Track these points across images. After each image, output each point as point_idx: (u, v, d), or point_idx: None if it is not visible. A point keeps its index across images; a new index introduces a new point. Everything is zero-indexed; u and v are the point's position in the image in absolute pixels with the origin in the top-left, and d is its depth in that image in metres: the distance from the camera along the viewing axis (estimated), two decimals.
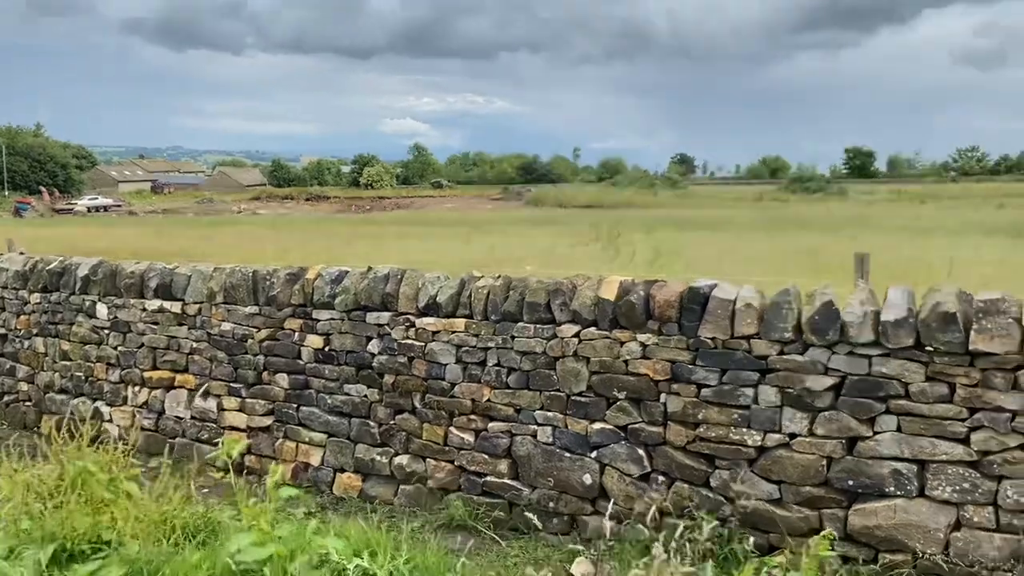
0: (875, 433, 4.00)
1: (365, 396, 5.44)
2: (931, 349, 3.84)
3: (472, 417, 5.05)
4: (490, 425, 5.00)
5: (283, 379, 5.76)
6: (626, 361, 4.57)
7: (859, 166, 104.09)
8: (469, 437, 5.07)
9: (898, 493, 3.96)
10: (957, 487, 3.85)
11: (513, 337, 4.89)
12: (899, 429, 3.94)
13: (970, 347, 3.75)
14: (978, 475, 3.82)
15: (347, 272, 5.63)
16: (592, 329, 4.68)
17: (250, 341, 5.85)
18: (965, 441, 3.83)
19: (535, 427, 4.86)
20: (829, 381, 4.07)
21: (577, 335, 4.71)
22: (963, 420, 3.82)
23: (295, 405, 5.73)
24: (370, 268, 5.59)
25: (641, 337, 4.53)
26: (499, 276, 5.12)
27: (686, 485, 4.44)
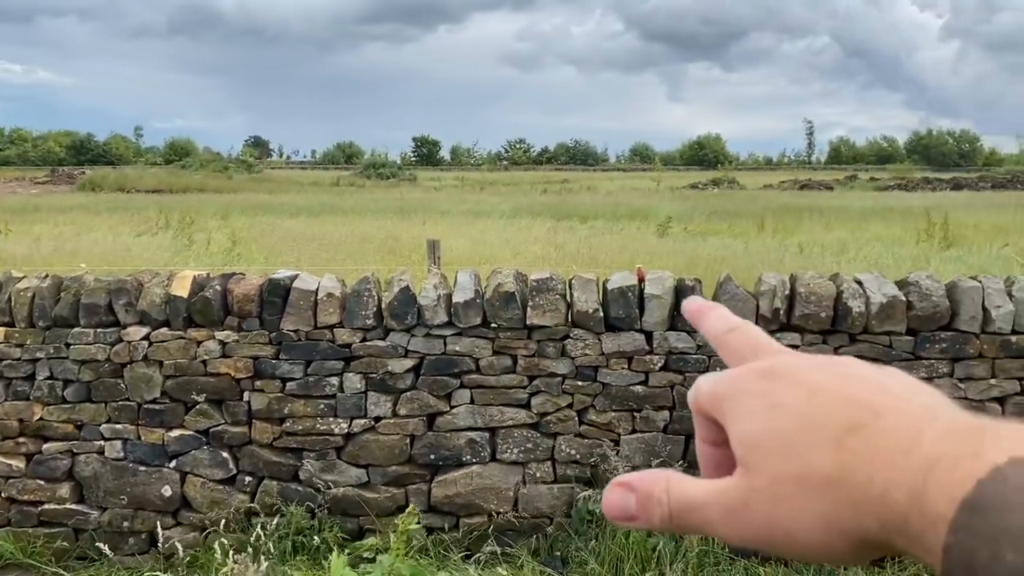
0: (452, 407, 4.30)
1: None
2: (496, 326, 4.23)
3: (21, 440, 4.35)
4: (45, 447, 4.35)
5: None
6: (204, 361, 4.30)
7: (426, 154, 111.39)
8: (19, 463, 4.36)
9: (474, 461, 4.31)
10: (522, 448, 4.31)
11: (68, 345, 4.30)
12: (472, 401, 4.29)
13: (527, 322, 4.21)
14: (538, 435, 4.32)
15: None
16: (164, 330, 4.31)
17: None
18: (527, 406, 4.30)
19: (102, 442, 4.34)
20: (409, 363, 4.27)
21: (147, 338, 4.30)
22: (524, 387, 4.28)
23: None
24: None
25: (220, 335, 4.29)
26: (47, 276, 4.46)
27: (274, 482, 4.34)
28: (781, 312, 4.19)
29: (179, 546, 3.73)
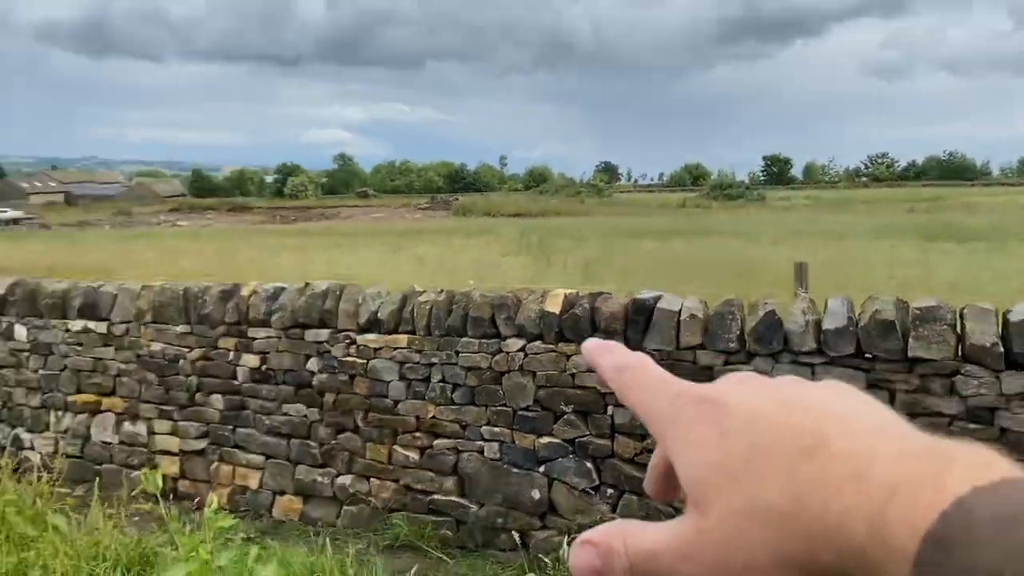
0: None
1: (305, 416, 5.29)
2: (871, 357, 3.94)
3: (417, 434, 4.97)
4: (435, 442, 4.92)
5: (218, 400, 5.56)
6: (572, 374, 4.56)
7: (776, 173, 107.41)
8: (414, 455, 4.98)
9: None
10: None
11: (458, 352, 4.83)
12: None
13: (908, 354, 3.86)
14: None
15: (284, 288, 5.48)
16: (538, 343, 4.66)
17: (182, 361, 5.63)
18: None
19: (482, 443, 4.80)
20: None
21: (523, 349, 4.68)
22: None
23: (231, 427, 5.53)
24: (307, 284, 5.45)
25: None
26: (442, 291, 5.06)
27: (635, 497, 4.45)
28: None
29: (555, 545, 3.97)
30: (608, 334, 4.48)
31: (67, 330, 6.02)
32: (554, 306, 4.65)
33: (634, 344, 4.41)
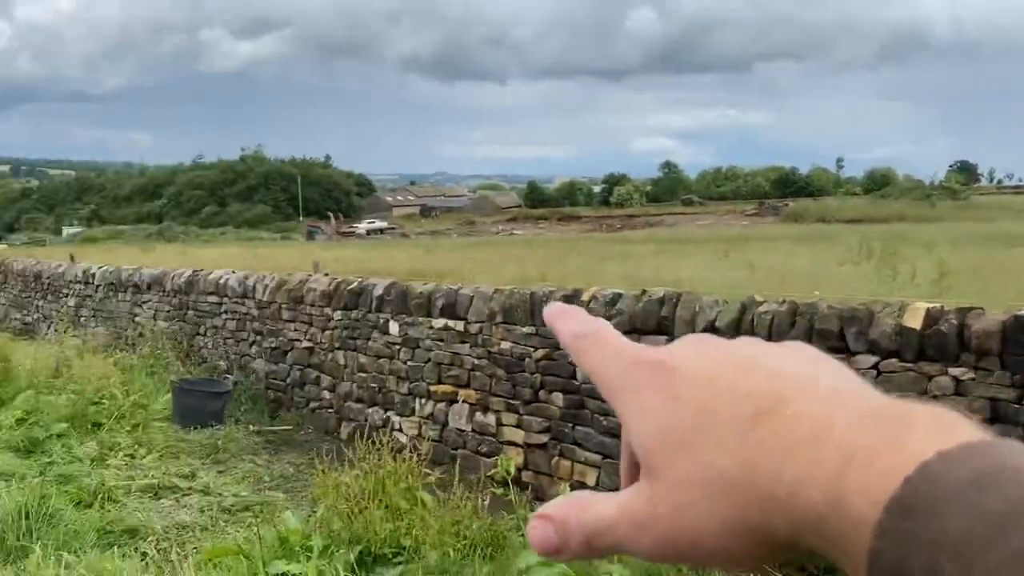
0: None
1: None
2: None
3: None
4: None
5: (559, 398, 5.89)
6: (935, 397, 4.14)
7: None
8: None
9: None
10: None
11: None
12: None
13: None
14: None
15: (621, 295, 5.65)
16: (893, 360, 4.30)
17: (527, 360, 6.05)
18: None
19: None
20: None
21: (875, 367, 4.35)
22: None
23: (570, 424, 5.82)
24: (644, 291, 5.56)
25: (954, 371, 4.08)
26: (783, 301, 4.88)
27: None
28: None
29: None
30: (981, 354, 4.00)
31: (431, 327, 6.77)
32: (914, 321, 4.26)
33: (1014, 368, 3.89)
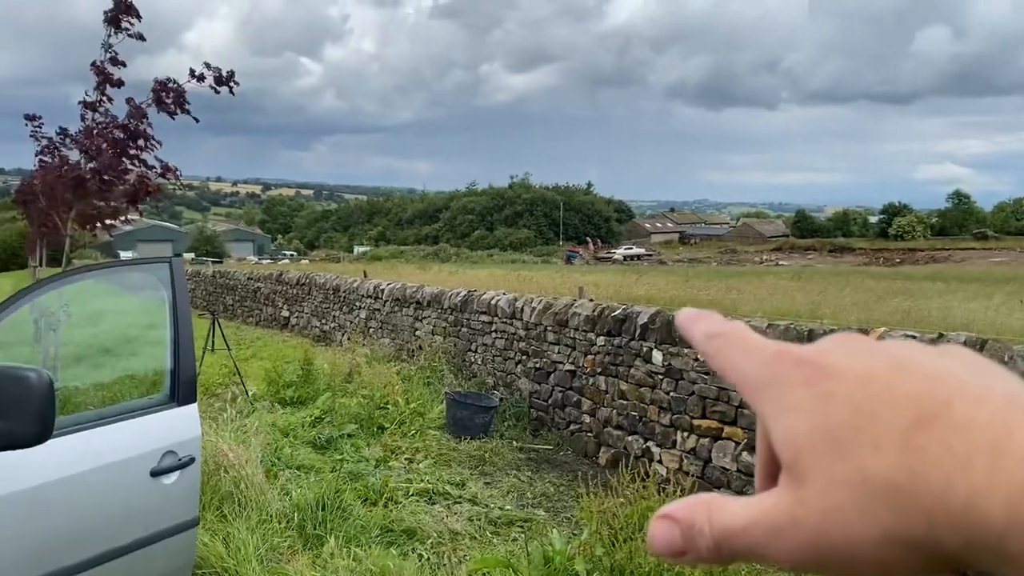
0: None
1: None
2: None
3: None
4: None
5: None
6: None
7: None
8: None
9: None
10: None
11: None
12: None
13: None
14: None
15: (915, 338, 5.17)
16: None
17: None
18: None
19: None
20: None
21: None
22: None
23: None
24: (941, 335, 5.07)
25: None
26: None
27: None
28: None
29: None
30: None
31: (696, 359, 6.64)
32: None
33: None
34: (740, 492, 6.13)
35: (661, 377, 7.03)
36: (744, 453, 6.15)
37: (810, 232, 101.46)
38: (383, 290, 12.95)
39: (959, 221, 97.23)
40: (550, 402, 8.56)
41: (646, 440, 7.14)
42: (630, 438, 7.31)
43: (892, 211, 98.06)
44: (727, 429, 6.33)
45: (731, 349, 0.39)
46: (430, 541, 5.19)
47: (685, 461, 6.63)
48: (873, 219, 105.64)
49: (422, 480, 6.50)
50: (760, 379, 0.37)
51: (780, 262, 62.36)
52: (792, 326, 5.98)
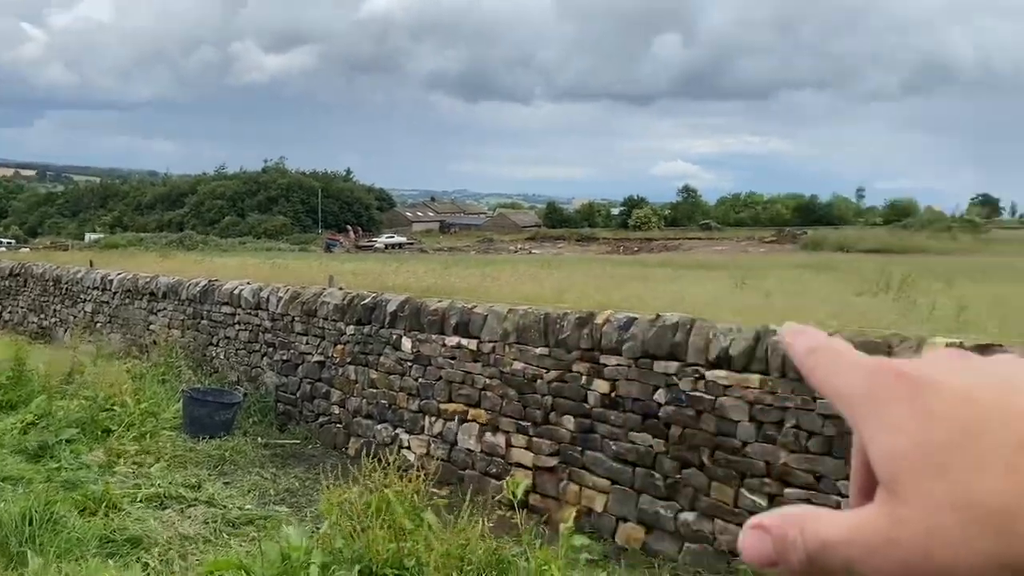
0: None
1: (650, 446, 5.34)
2: None
3: (766, 480, 4.76)
4: (786, 491, 4.67)
5: (569, 421, 5.83)
6: None
7: None
8: (762, 501, 4.77)
9: None
10: None
11: (815, 399, 4.55)
12: None
13: None
14: None
15: (635, 319, 5.60)
16: None
17: (539, 381, 6.00)
18: None
19: (838, 498, 4.46)
20: None
21: None
22: None
23: (580, 448, 5.76)
24: (658, 316, 5.51)
25: None
26: None
27: None
28: None
29: None
30: None
31: (443, 345, 6.73)
32: None
33: None
34: (484, 472, 6.32)
35: (410, 364, 7.06)
36: (488, 434, 6.33)
37: (560, 223, 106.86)
38: (112, 281, 11.87)
39: (688, 213, 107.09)
40: (298, 395, 8.30)
41: (395, 427, 7.14)
42: (379, 426, 7.27)
43: (631, 204, 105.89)
44: (472, 411, 6.48)
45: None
46: (157, 548, 4.82)
47: (432, 445, 6.71)
48: (615, 211, 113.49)
49: (152, 484, 6.04)
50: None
51: (533, 251, 65.13)
52: (531, 309, 6.24)
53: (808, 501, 4.58)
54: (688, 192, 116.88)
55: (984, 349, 4.09)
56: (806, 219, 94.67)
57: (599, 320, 5.75)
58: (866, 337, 4.52)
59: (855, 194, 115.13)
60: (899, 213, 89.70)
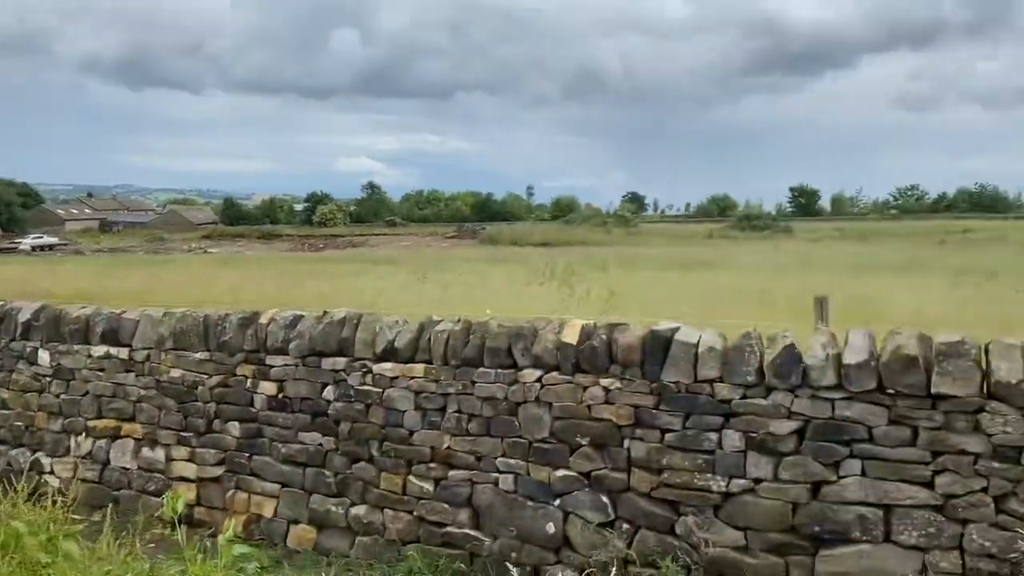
0: (840, 478, 3.98)
1: (320, 445, 5.27)
2: (893, 392, 3.85)
3: (432, 465, 4.92)
4: (450, 473, 4.88)
5: (235, 427, 5.57)
6: (589, 406, 4.51)
7: (804, 204, 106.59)
8: (428, 486, 4.93)
9: (864, 539, 3.93)
10: (922, 532, 3.84)
11: (474, 383, 4.80)
12: (864, 473, 3.93)
13: (931, 390, 3.77)
14: (943, 519, 3.81)
15: (302, 316, 5.49)
16: (554, 374, 4.61)
17: (201, 388, 5.65)
18: (930, 485, 3.83)
19: (497, 475, 4.74)
20: (793, 425, 4.05)
21: (539, 380, 4.63)
22: (927, 464, 3.82)
23: (247, 454, 5.53)
24: (325, 312, 5.46)
25: (604, 382, 4.47)
26: (459, 320, 5.04)
27: (651, 532, 4.36)
28: None
29: None
30: (625, 366, 4.42)
31: (89, 355, 6.08)
32: (571, 337, 4.61)
33: (651, 376, 4.35)
34: (142, 490, 5.82)
35: (50, 379, 6.27)
36: (145, 449, 5.84)
37: (239, 219, 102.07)
38: None
39: (373, 210, 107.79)
40: None
41: (34, 451, 6.30)
42: (15, 452, 6.37)
43: (315, 200, 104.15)
44: (126, 426, 5.93)
45: None
46: None
47: (81, 467, 6.04)
48: (299, 207, 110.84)
49: None
50: None
51: (210, 250, 61.47)
52: (188, 312, 5.85)
53: (471, 481, 4.82)
54: (373, 188, 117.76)
55: (614, 328, 4.60)
56: (484, 215, 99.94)
57: (264, 320, 5.56)
58: (517, 323, 4.85)
59: (526, 192, 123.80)
60: (563, 210, 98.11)
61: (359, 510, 5.13)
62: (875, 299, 12.88)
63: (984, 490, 3.75)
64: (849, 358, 3.93)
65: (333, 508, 5.21)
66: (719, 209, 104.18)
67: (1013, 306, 11.74)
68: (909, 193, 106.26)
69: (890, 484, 3.88)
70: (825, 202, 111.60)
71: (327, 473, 5.25)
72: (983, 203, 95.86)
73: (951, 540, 3.80)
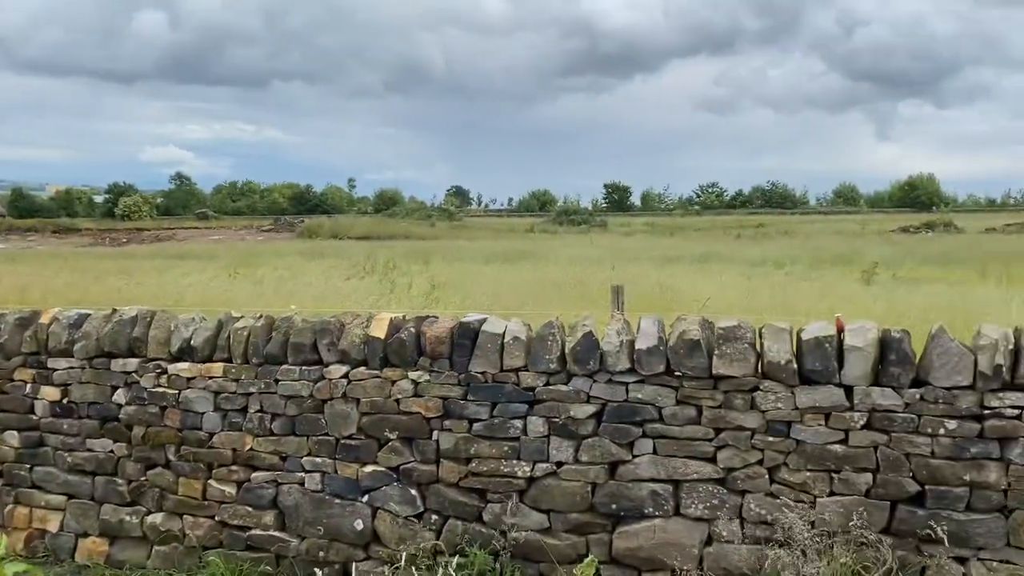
0: (634, 457, 4.21)
1: (111, 452, 4.93)
2: (680, 374, 4.11)
3: (233, 468, 4.73)
4: (253, 475, 4.71)
5: (13, 437, 5.10)
6: (398, 400, 4.49)
7: (617, 200, 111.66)
8: (230, 489, 4.74)
9: (657, 513, 4.18)
10: (707, 504, 4.13)
11: (277, 381, 4.65)
12: (655, 451, 4.18)
13: (713, 371, 4.06)
14: (725, 491, 4.12)
15: (88, 315, 5.11)
16: (362, 369, 4.56)
17: None
18: (713, 460, 4.13)
19: (303, 474, 4.63)
20: (591, 409, 4.24)
21: (346, 376, 4.56)
22: (710, 440, 4.12)
23: (28, 466, 5.09)
24: (115, 311, 5.11)
25: (412, 375, 4.47)
26: (260, 316, 4.86)
27: (460, 522, 4.42)
28: (1004, 369, 3.77)
29: None
30: (434, 358, 4.45)
31: None
32: (379, 331, 4.57)
33: (460, 367, 4.40)
34: None
35: None
36: None
37: (31, 212, 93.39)
38: None
39: (183, 202, 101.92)
40: None
41: None
42: None
43: (118, 191, 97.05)
44: None
45: None
46: None
47: None
48: (99, 199, 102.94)
49: None
50: None
51: None
52: None
53: (275, 482, 4.68)
54: (182, 179, 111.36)
55: (423, 321, 4.61)
56: (302, 207, 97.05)
57: (44, 319, 5.11)
58: (322, 318, 4.75)
59: (347, 184, 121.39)
60: (386, 202, 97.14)
61: (156, 518, 4.84)
62: (677, 288, 13.70)
63: (760, 462, 4.09)
64: (641, 343, 4.16)
65: (127, 517, 4.89)
66: (539, 204, 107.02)
67: (796, 293, 12.87)
68: (710, 190, 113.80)
69: (678, 460, 4.15)
70: (636, 198, 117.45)
71: (119, 481, 4.92)
72: (774, 200, 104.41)
73: (732, 510, 4.12)
